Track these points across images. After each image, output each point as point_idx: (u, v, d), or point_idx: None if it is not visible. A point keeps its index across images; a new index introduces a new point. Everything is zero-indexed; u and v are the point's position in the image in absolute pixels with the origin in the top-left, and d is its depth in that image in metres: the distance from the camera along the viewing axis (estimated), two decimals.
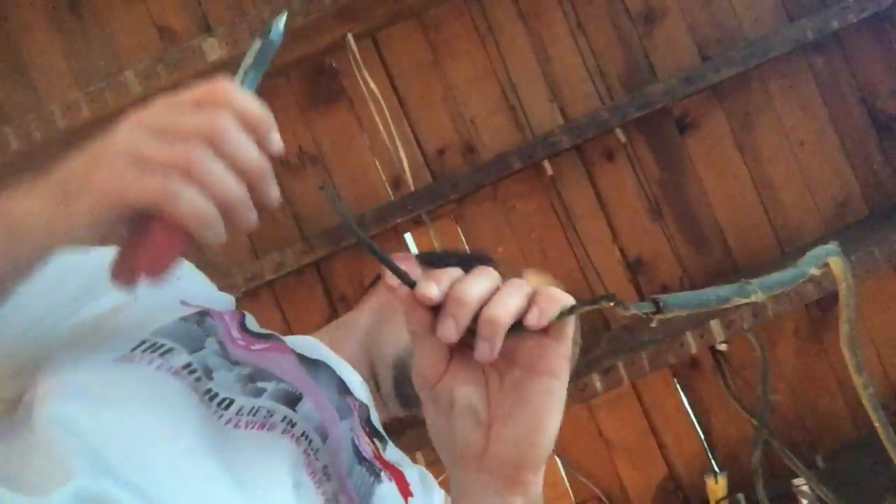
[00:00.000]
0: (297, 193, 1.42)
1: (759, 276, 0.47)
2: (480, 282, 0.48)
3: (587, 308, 0.47)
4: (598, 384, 1.17)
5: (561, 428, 0.52)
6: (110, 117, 1.16)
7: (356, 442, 0.69)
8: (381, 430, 0.78)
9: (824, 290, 1.17)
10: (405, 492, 0.71)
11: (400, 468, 0.74)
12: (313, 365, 0.74)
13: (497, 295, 0.48)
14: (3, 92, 1.40)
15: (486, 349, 0.46)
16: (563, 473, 1.44)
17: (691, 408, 1.45)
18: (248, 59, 0.53)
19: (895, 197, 1.44)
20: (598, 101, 1.42)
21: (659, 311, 0.43)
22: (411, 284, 0.48)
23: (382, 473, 0.69)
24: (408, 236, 1.43)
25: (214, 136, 0.44)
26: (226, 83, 0.46)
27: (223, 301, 0.81)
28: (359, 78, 1.32)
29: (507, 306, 0.47)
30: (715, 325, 1.17)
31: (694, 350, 1.18)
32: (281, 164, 1.41)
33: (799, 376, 1.44)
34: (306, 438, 0.63)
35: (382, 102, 1.32)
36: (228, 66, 1.17)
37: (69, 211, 0.45)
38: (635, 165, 1.44)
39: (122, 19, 1.41)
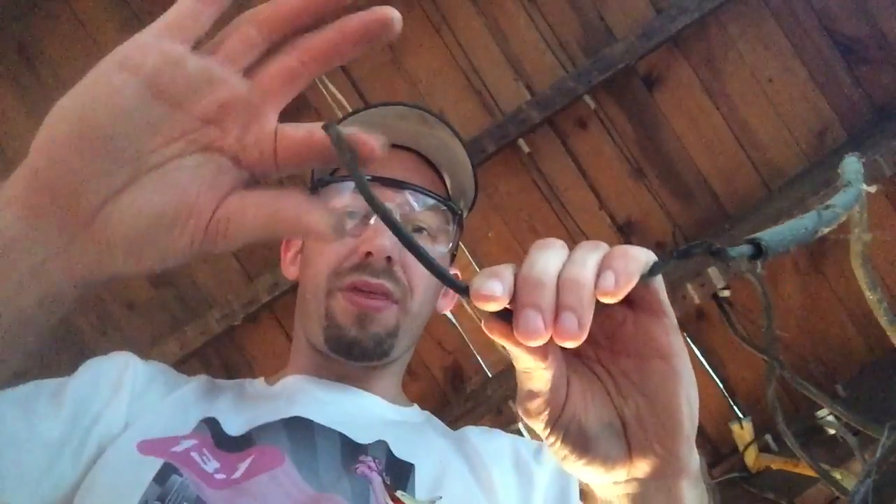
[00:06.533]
0: None
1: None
2: (550, 254, 0.37)
3: (676, 262, 0.36)
4: None
5: None
6: None
7: None
8: (405, 459, 0.69)
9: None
10: None
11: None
12: (309, 445, 0.65)
13: (570, 258, 0.37)
14: None
15: (573, 321, 0.34)
16: None
17: (705, 359, 1.45)
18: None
19: (870, 116, 1.44)
20: (561, 70, 1.41)
21: (762, 253, 0.35)
22: (463, 288, 0.35)
23: None
24: None
25: None
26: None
27: (188, 405, 0.71)
28: (321, 87, 1.32)
29: (588, 266, 0.36)
30: (713, 272, 1.17)
31: (697, 300, 1.18)
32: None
33: (806, 311, 1.44)
34: None
35: (348, 107, 1.32)
36: None
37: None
38: (609, 129, 1.43)
39: (79, 70, 1.39)
